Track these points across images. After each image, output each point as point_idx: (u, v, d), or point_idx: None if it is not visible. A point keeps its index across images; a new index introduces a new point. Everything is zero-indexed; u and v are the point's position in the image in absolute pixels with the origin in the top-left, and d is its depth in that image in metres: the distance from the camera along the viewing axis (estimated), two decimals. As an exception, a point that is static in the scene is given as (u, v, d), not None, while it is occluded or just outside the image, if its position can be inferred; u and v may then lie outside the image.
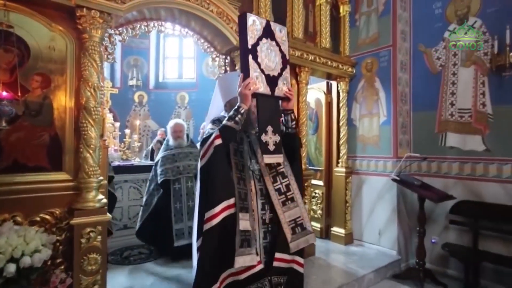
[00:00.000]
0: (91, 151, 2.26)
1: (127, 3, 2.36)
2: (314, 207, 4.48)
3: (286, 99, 1.74)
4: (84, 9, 2.18)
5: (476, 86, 3.48)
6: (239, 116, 1.60)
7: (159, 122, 6.95)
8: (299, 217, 1.72)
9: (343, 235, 4.12)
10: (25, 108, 2.09)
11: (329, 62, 3.94)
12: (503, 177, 3.22)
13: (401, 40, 3.96)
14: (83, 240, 2.18)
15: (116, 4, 2.30)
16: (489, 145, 3.34)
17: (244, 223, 1.58)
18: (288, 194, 1.73)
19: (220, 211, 1.56)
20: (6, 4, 1.96)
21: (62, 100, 2.28)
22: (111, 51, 2.59)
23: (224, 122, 1.61)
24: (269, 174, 1.73)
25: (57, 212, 2.22)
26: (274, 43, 1.69)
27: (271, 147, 1.62)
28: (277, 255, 1.67)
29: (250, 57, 1.56)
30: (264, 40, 1.64)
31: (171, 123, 3.75)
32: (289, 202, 1.73)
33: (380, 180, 3.93)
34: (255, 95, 1.61)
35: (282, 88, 1.70)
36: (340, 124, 4.28)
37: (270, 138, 1.62)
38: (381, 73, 4.01)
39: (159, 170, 3.49)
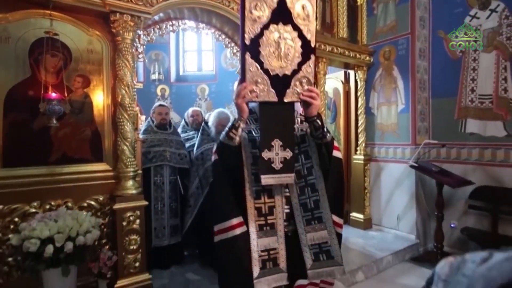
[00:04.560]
0: (127, 144, 2.50)
1: (154, 6, 2.55)
2: (333, 194, 4.61)
3: (305, 104, 1.33)
4: (117, 14, 2.39)
5: (497, 71, 3.45)
6: (234, 130, 1.32)
7: (181, 114, 7.21)
8: (325, 242, 1.41)
9: (362, 220, 4.25)
10: (70, 107, 2.34)
11: (347, 52, 3.99)
12: (524, 162, 3.23)
13: (419, 27, 3.94)
14: (124, 223, 2.45)
15: (145, 8, 2.49)
16: (511, 130, 3.34)
17: (267, 241, 1.38)
18: (315, 212, 1.42)
19: (236, 225, 1.38)
20: (52, 13, 2.19)
21: (100, 98, 2.52)
22: (140, 51, 2.80)
23: (221, 137, 1.39)
24: (296, 184, 1.42)
25: (101, 198, 2.50)
26: (289, 27, 1.24)
27: (277, 165, 1.31)
28: (299, 282, 1.42)
29: (248, 55, 1.21)
30: (272, 27, 1.22)
31: (218, 113, 3.22)
32: (315, 222, 1.41)
33: (399, 167, 4.00)
34: (259, 103, 1.30)
35: (297, 90, 1.29)
36: (358, 112, 4.34)
37: (277, 154, 1.32)
38: (399, 61, 4.03)
39: (207, 165, 3.07)
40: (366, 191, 4.29)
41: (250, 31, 1.20)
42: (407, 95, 3.93)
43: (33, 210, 2.23)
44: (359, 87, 4.34)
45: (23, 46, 2.19)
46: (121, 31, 2.43)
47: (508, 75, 3.38)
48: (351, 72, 4.45)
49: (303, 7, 1.25)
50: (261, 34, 1.21)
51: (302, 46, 1.27)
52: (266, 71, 1.25)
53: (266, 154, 1.31)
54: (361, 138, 4.32)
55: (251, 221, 1.38)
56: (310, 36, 1.27)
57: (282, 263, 1.39)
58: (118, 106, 2.49)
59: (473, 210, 3.52)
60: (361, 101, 4.32)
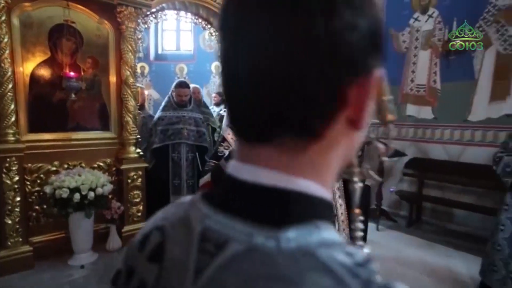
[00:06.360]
0: (131, 116, 3.02)
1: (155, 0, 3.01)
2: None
3: None
4: (123, 6, 2.83)
5: (430, 66, 4.29)
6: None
7: (161, 92, 7.56)
8: None
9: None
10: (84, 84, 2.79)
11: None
12: (444, 139, 4.15)
13: (374, 25, 4.65)
14: (129, 181, 3.00)
15: (147, 1, 2.94)
16: (436, 114, 4.23)
17: None
18: None
19: None
20: (69, 4, 2.60)
21: (107, 77, 2.98)
22: (139, 37, 3.25)
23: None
24: None
25: (108, 161, 3.02)
26: None
27: None
28: None
29: None
30: None
31: None
32: None
33: (352, 143, 4.81)
34: None
35: None
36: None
37: None
38: (357, 53, 4.74)
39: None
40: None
41: None
42: (362, 83, 4.69)
43: (54, 168, 2.72)
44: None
45: (44, 31, 2.59)
46: (125, 21, 2.88)
47: (437, 70, 4.22)
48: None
49: None
50: None
51: None
52: None
53: None
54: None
55: None
56: None
57: None
58: (123, 84, 2.97)
59: (406, 177, 4.44)
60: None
